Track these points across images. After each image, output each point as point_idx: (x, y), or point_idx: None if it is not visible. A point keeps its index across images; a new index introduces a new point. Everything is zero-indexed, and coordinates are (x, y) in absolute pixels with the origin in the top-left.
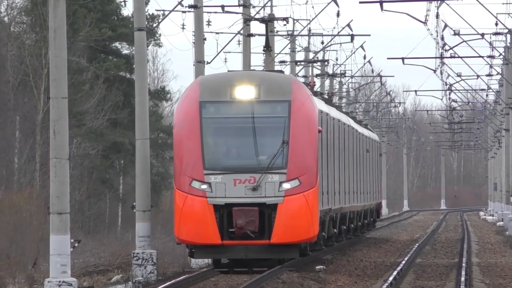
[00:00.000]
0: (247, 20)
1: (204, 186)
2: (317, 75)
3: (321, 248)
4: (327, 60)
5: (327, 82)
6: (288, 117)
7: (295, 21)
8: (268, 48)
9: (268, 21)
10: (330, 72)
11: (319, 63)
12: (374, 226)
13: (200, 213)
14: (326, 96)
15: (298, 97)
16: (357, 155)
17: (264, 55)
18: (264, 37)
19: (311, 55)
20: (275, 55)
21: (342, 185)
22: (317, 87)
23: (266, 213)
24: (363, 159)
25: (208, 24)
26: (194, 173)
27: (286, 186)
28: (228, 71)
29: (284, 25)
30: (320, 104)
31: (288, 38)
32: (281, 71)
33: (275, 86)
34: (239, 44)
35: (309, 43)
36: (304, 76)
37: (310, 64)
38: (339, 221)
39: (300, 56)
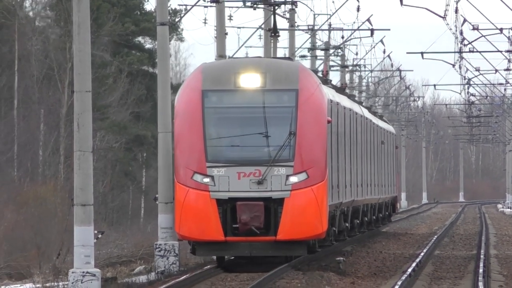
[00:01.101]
0: (254, 2)
1: (206, 180)
2: (331, 67)
3: (331, 244)
4: (340, 47)
5: (345, 74)
6: (296, 107)
7: (316, 16)
8: (275, 33)
9: (275, 5)
10: (350, 66)
11: (339, 58)
12: (390, 220)
13: (202, 208)
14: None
15: (306, 86)
16: (371, 146)
17: (268, 43)
18: (285, 31)
19: (331, 50)
20: (296, 49)
21: (354, 177)
22: (336, 81)
23: (272, 208)
24: (378, 150)
25: (230, 19)
26: (196, 165)
27: (293, 179)
28: (233, 57)
29: (292, 9)
30: (330, 93)
31: (309, 33)
32: (289, 58)
33: (281, 74)
34: (260, 38)
35: (329, 37)
36: (345, 85)
37: (326, 54)
38: (351, 214)
39: (320, 51)
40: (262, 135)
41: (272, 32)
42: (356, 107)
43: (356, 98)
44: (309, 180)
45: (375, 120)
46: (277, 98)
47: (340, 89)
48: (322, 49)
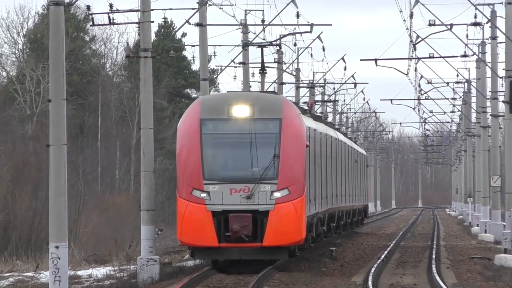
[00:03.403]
0: (245, 45)
1: (203, 195)
2: (315, 101)
3: (309, 246)
4: (324, 85)
5: (331, 112)
6: (279, 133)
7: (314, 73)
8: (263, 71)
9: (264, 46)
10: (339, 110)
11: (331, 104)
12: (362, 223)
13: (199, 218)
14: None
15: (288, 116)
16: (345, 164)
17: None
18: (293, 85)
19: (325, 97)
20: (300, 97)
21: (329, 189)
22: (331, 120)
23: (259, 219)
24: (351, 167)
25: (253, 75)
26: (195, 183)
27: (277, 195)
28: (227, 91)
29: (278, 50)
30: (308, 122)
31: (309, 85)
32: (274, 92)
33: (267, 105)
34: (275, 89)
35: (324, 88)
36: (321, 113)
37: (310, 91)
38: (327, 219)
39: (317, 97)
40: (250, 157)
41: (261, 69)
42: (331, 132)
43: (343, 131)
44: (290, 196)
45: (349, 143)
46: (263, 126)
47: (318, 118)
48: (307, 87)
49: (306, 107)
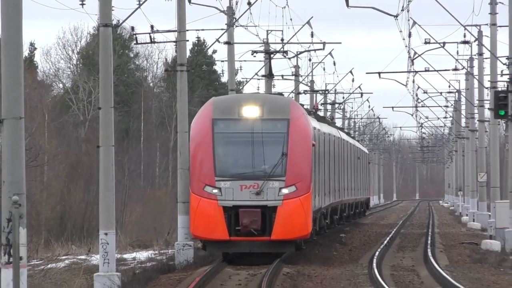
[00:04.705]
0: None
1: (215, 191)
2: (321, 103)
3: (313, 239)
4: (328, 90)
5: (341, 118)
6: (287, 133)
7: (327, 84)
8: (270, 75)
9: (270, 53)
10: (348, 116)
11: (340, 111)
12: (365, 215)
13: (211, 213)
14: (329, 119)
15: (295, 116)
16: (348, 160)
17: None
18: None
19: (335, 105)
20: (315, 104)
21: (333, 185)
22: (340, 125)
23: (267, 214)
24: (354, 164)
25: (273, 87)
26: (207, 179)
27: (285, 191)
28: (237, 93)
29: (284, 56)
30: (313, 122)
31: (322, 94)
32: (281, 94)
33: (276, 106)
34: (293, 97)
35: (335, 97)
36: (332, 118)
37: (315, 95)
38: (330, 212)
39: (329, 106)
40: (260, 155)
41: (268, 74)
42: (334, 131)
43: (351, 133)
44: (297, 192)
45: (352, 141)
46: (272, 126)
47: (322, 118)
48: (313, 91)
49: (312, 109)
